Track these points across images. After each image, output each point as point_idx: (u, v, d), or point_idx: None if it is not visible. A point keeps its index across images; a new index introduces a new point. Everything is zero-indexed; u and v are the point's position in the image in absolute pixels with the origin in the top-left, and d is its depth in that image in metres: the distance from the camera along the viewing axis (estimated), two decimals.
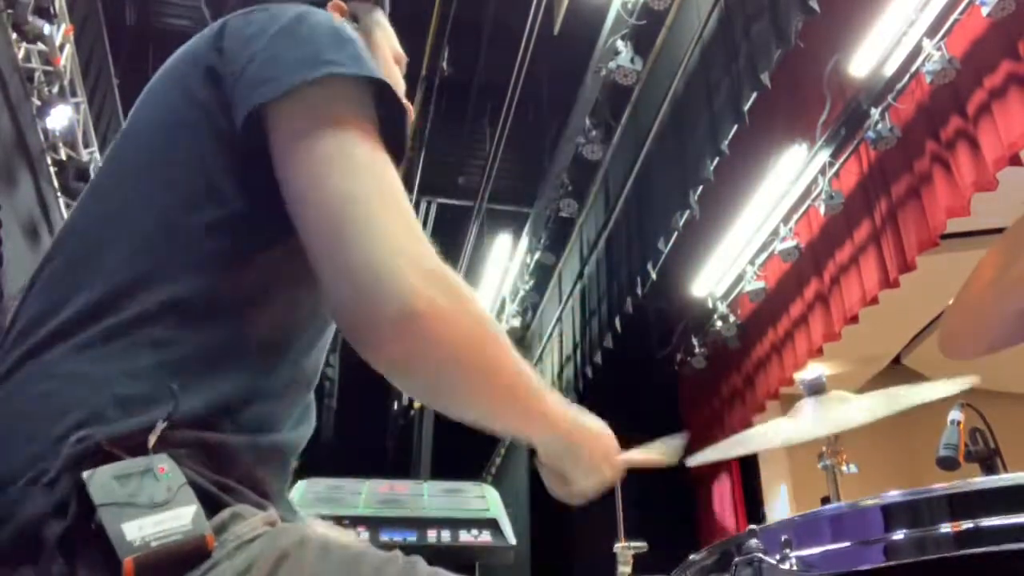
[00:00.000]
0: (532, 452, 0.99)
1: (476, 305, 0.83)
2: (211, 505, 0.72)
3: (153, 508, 0.68)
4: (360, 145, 0.82)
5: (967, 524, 1.02)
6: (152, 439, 0.72)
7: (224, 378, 0.80)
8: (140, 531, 0.67)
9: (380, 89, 0.85)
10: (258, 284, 0.85)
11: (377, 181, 0.81)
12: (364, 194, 0.80)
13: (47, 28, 4.18)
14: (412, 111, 1.10)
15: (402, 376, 0.82)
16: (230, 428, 0.79)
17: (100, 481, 0.68)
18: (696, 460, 1.55)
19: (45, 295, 0.85)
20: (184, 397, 0.75)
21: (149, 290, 0.80)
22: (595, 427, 0.99)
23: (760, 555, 1.10)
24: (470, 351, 0.81)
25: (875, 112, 3.99)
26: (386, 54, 1.09)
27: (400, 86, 1.10)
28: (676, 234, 4.83)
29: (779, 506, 5.84)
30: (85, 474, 0.68)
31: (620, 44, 4.63)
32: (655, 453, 1.08)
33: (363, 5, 1.09)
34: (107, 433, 0.71)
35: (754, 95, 3.88)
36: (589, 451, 0.97)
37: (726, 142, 4.11)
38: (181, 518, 0.69)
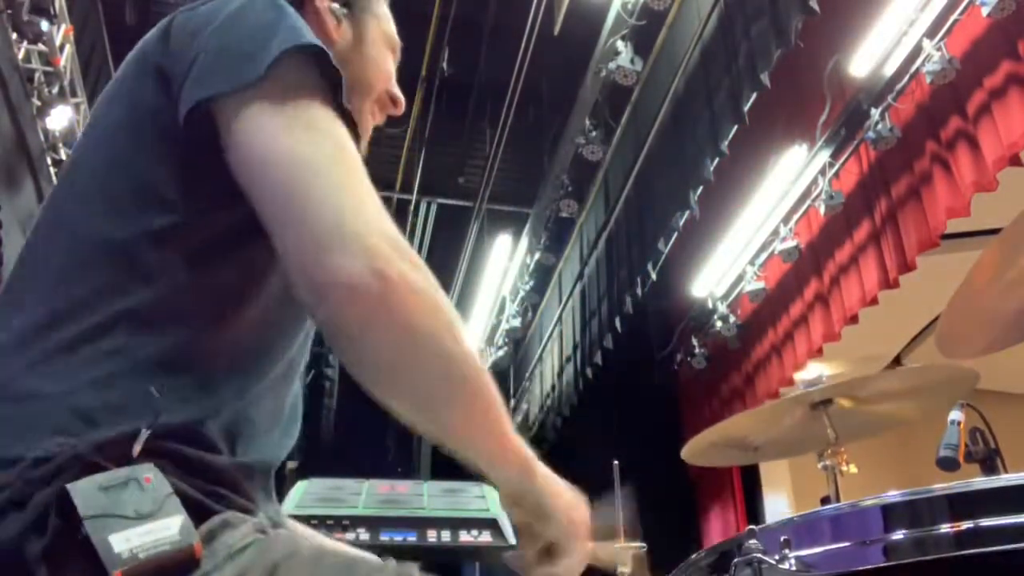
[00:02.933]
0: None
1: (437, 287, 0.78)
2: (199, 512, 0.71)
3: (140, 519, 0.66)
4: (317, 112, 0.81)
5: (967, 524, 1.02)
6: (137, 448, 0.71)
7: (195, 383, 0.79)
8: (128, 543, 0.65)
9: (319, 57, 0.83)
10: (219, 286, 0.83)
11: (339, 147, 0.81)
12: (327, 157, 0.79)
13: (47, 28, 4.18)
14: (403, 104, 1.09)
15: (354, 346, 0.77)
16: (208, 439, 0.77)
17: (85, 492, 0.66)
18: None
19: (7, 302, 0.83)
20: (159, 403, 0.74)
21: (103, 301, 0.78)
22: (565, 487, 0.86)
23: (759, 555, 1.10)
24: (433, 326, 0.76)
25: (875, 112, 3.98)
26: (376, 42, 1.06)
27: (389, 74, 1.08)
28: (676, 234, 4.82)
29: (779, 506, 5.83)
30: (69, 485, 0.66)
31: (620, 44, 4.63)
32: (609, 555, 0.95)
33: None
34: (86, 444, 0.70)
35: (754, 95, 3.87)
36: (564, 507, 0.84)
37: (726, 142, 4.10)
38: (169, 528, 0.67)
